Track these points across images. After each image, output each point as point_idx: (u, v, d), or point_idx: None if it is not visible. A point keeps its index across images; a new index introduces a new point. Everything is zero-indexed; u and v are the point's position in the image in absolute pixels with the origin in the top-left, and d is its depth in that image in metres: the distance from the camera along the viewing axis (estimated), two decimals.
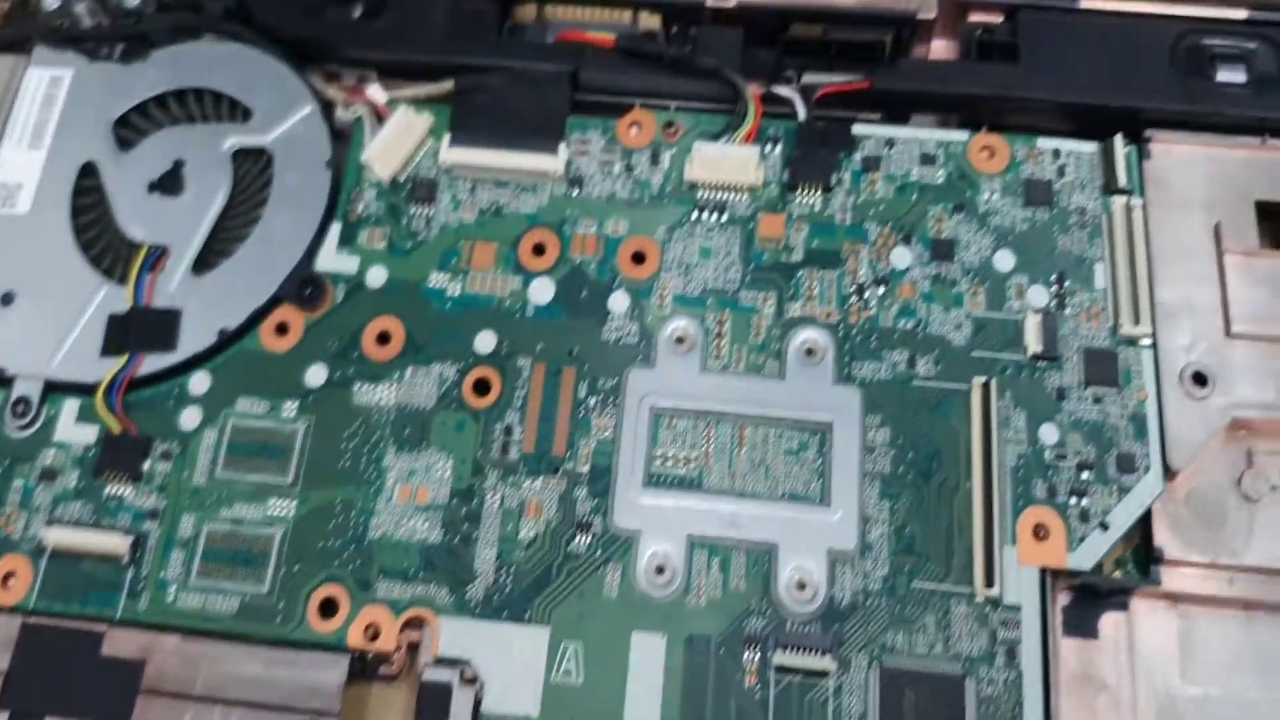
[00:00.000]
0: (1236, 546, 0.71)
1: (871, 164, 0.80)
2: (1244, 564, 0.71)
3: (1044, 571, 0.70)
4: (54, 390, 0.74)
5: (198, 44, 0.84)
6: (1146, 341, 0.74)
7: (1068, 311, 0.75)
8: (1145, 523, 0.71)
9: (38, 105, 0.81)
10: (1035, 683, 0.67)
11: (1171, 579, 0.71)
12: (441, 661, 0.68)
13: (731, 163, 0.79)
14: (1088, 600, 0.71)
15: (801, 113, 0.81)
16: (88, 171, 0.80)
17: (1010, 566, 0.69)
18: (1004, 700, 0.67)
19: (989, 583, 0.69)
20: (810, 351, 0.75)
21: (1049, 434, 0.72)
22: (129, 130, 0.82)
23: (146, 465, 0.72)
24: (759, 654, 0.68)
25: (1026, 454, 0.72)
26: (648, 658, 0.68)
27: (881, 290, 0.76)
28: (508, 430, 0.73)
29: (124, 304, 0.76)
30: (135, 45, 0.83)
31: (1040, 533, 0.70)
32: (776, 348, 0.75)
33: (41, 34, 0.84)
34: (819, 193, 0.79)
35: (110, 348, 0.74)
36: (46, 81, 0.82)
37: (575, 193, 0.79)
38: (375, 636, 0.68)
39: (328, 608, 0.69)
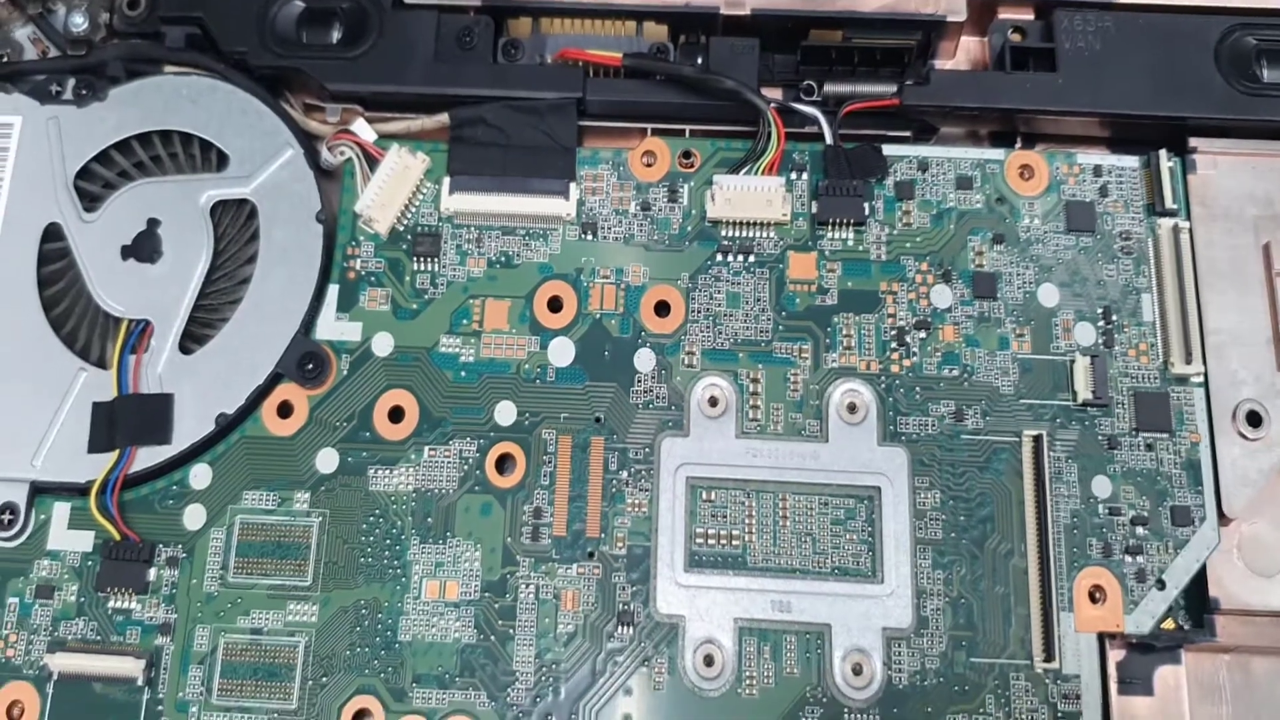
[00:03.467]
0: None
1: (905, 190, 0.74)
2: None
3: (1101, 637, 0.67)
4: (41, 493, 0.68)
5: (160, 78, 0.75)
6: (1198, 380, 0.71)
7: (1116, 350, 0.72)
8: (1199, 572, 0.69)
9: None
10: None
11: (1226, 628, 0.69)
12: None
13: (755, 198, 0.73)
14: (1141, 655, 0.69)
15: (828, 136, 0.75)
16: (51, 235, 0.73)
17: (1067, 634, 0.67)
18: None
19: (1048, 655, 0.66)
20: (852, 408, 0.70)
21: (1102, 487, 0.69)
22: (93, 183, 0.74)
23: (152, 574, 0.67)
24: None
25: (1080, 510, 0.69)
26: None
27: (923, 335, 0.72)
28: (537, 513, 0.69)
29: (108, 389, 0.69)
30: (89, 81, 0.75)
31: (1096, 596, 0.68)
32: (816, 405, 0.71)
33: None
34: (851, 227, 0.74)
35: (98, 442, 0.68)
36: None
37: (589, 237, 0.73)
38: None
39: None
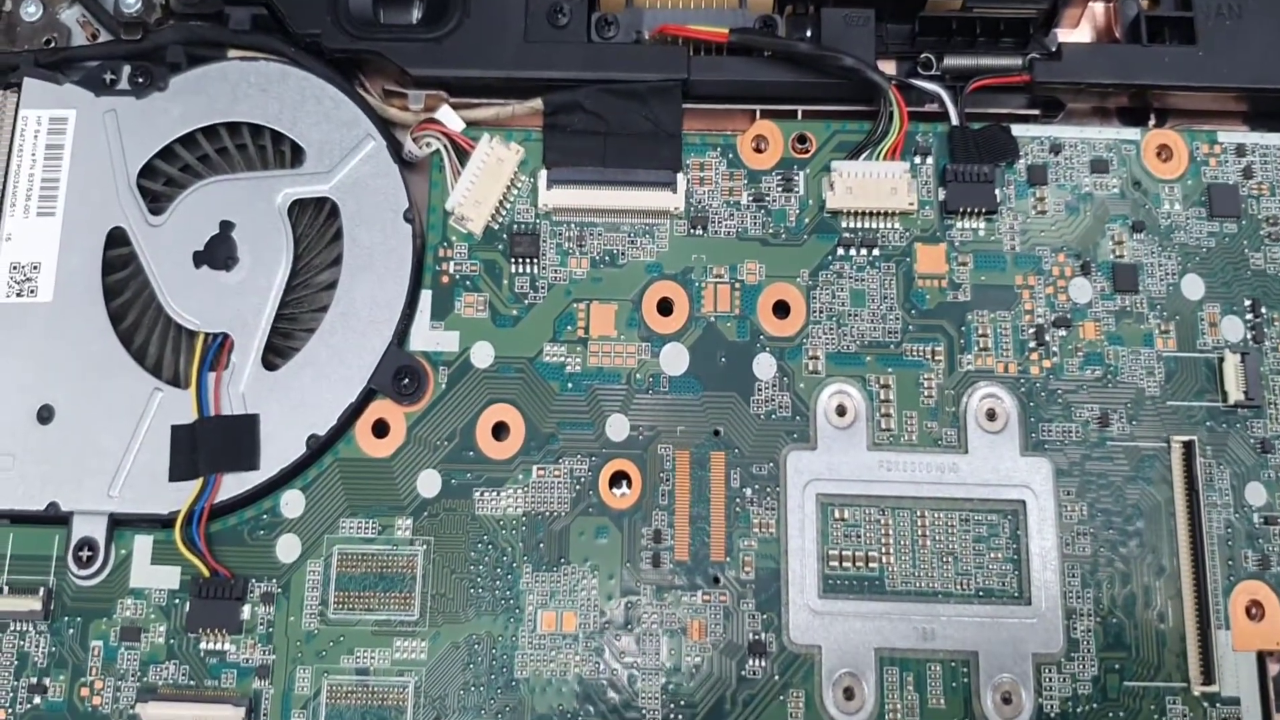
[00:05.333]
0: None
1: (1037, 175, 0.69)
2: None
3: (1261, 655, 0.63)
4: (120, 525, 0.63)
5: (225, 64, 0.69)
6: None
7: (1266, 345, 0.67)
8: None
9: (40, 159, 0.67)
10: None
11: None
12: None
13: (878, 185, 0.67)
14: None
15: (953, 115, 0.69)
16: (115, 240, 0.67)
17: (1225, 652, 0.63)
18: None
19: (1206, 679, 0.62)
20: (992, 415, 0.66)
21: (1255, 495, 0.65)
22: (157, 182, 0.68)
23: (246, 612, 0.62)
24: None
25: (1233, 521, 0.64)
26: None
27: (1063, 333, 0.67)
28: (656, 535, 0.64)
29: (186, 411, 0.64)
30: (147, 68, 0.68)
31: (1254, 612, 0.64)
32: (952, 412, 0.66)
33: (29, 59, 0.68)
34: (982, 216, 0.68)
35: (180, 469, 0.63)
36: (46, 126, 0.67)
37: (699, 232, 0.68)
38: None
39: None
